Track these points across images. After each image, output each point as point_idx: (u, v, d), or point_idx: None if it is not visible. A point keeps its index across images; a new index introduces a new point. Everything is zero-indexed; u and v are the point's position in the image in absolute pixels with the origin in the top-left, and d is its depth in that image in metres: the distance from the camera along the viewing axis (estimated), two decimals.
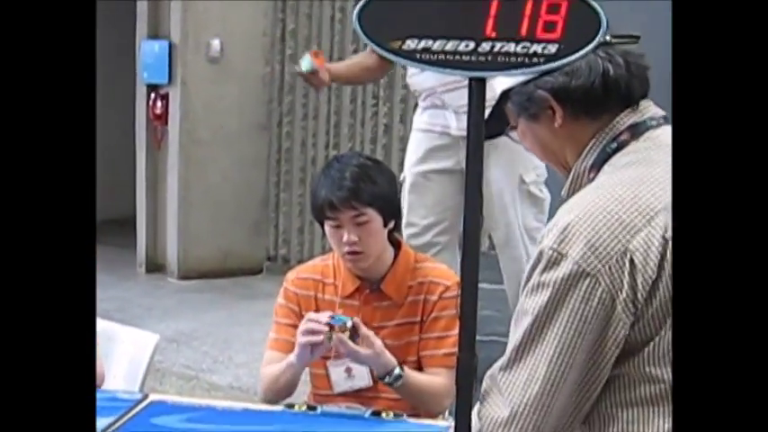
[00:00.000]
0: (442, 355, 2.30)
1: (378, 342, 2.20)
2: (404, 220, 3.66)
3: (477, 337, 1.54)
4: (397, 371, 2.21)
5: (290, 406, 2.11)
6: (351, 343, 2.16)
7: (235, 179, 6.62)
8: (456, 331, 1.46)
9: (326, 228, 2.31)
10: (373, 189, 2.27)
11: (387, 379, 2.22)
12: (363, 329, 2.20)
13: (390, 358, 2.22)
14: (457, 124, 3.62)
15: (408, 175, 3.76)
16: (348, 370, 2.32)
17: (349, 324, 2.15)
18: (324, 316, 2.18)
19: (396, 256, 2.36)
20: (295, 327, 2.27)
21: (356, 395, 2.33)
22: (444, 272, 2.36)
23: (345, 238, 2.26)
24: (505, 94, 1.63)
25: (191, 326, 5.41)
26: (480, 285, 1.44)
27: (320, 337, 2.13)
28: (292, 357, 2.23)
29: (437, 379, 2.28)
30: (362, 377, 2.31)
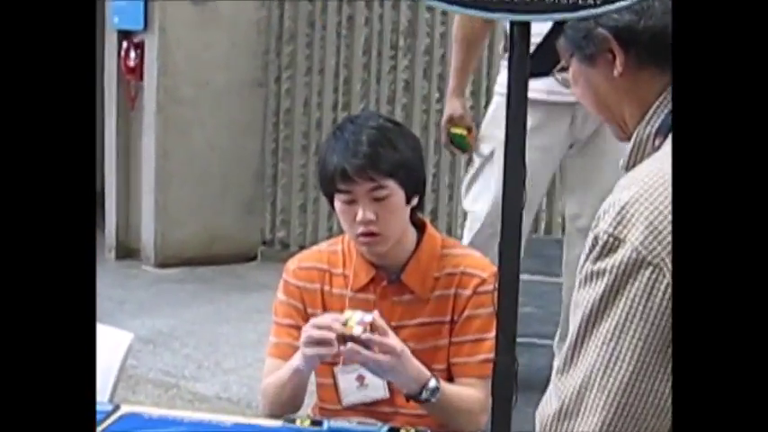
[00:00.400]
0: (477, 362, 2.32)
1: (399, 349, 2.17)
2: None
3: (518, 339, 1.55)
4: (432, 383, 2.21)
5: (291, 420, 2.14)
6: (369, 353, 2.14)
7: (223, 146, 6.64)
8: (494, 333, 1.48)
9: (337, 204, 2.31)
10: (395, 156, 2.27)
11: (423, 395, 2.20)
12: (387, 334, 2.18)
13: (422, 368, 2.22)
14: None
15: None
16: (360, 378, 2.33)
17: (367, 319, 2.13)
18: (331, 319, 2.18)
19: (419, 240, 2.37)
20: (299, 329, 2.28)
21: (370, 408, 2.34)
22: (478, 261, 2.37)
23: (360, 215, 2.27)
24: (559, 27, 1.61)
25: (170, 324, 5.40)
26: (521, 277, 1.45)
27: (331, 349, 2.14)
28: (297, 361, 2.25)
29: (472, 392, 2.29)
30: (377, 387, 2.33)
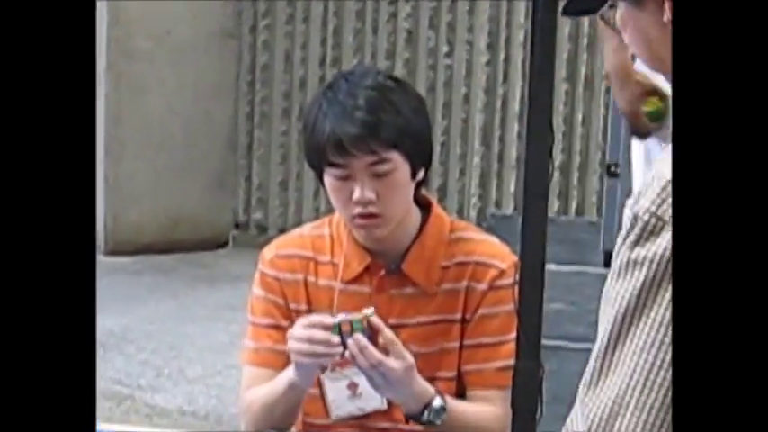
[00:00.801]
0: (495, 370, 2.32)
1: (409, 357, 2.21)
2: None
3: (544, 341, 1.56)
4: (437, 401, 2.24)
5: None
6: (380, 354, 2.17)
7: (187, 110, 6.62)
8: (515, 335, 1.50)
9: (327, 179, 2.33)
10: (398, 122, 2.28)
11: (426, 416, 2.24)
12: (387, 333, 2.22)
13: (425, 384, 2.25)
14: None
15: None
16: (352, 386, 2.33)
17: (365, 313, 2.17)
18: (327, 318, 2.22)
19: (424, 222, 2.39)
20: (281, 329, 2.32)
21: (364, 423, 2.36)
22: (495, 248, 2.39)
23: (357, 194, 2.28)
24: None
25: (123, 323, 5.39)
26: (547, 267, 1.47)
27: (334, 356, 2.19)
28: (292, 374, 2.27)
29: (488, 408, 2.31)
30: (373, 397, 2.33)
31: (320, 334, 2.19)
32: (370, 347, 2.17)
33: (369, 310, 2.20)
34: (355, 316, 2.20)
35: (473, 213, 6.52)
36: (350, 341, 2.17)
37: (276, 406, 2.31)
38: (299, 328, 2.20)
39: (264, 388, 2.33)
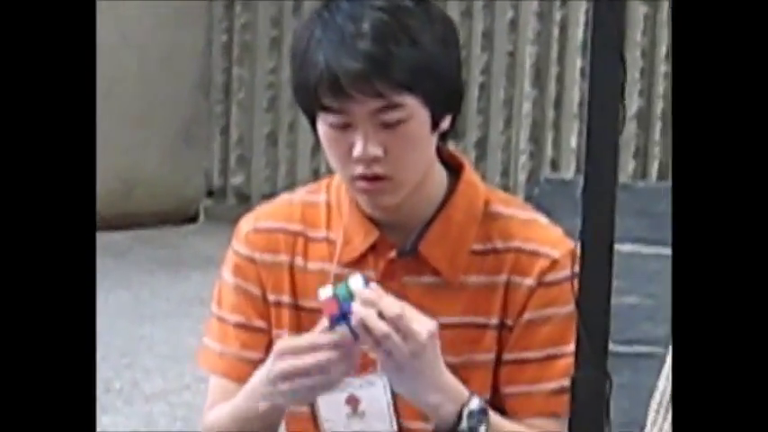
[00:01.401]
0: (547, 393, 2.34)
1: (434, 336, 2.22)
2: None
3: (612, 346, 1.58)
4: (475, 402, 2.26)
5: None
6: (383, 325, 2.17)
7: (147, 41, 6.68)
8: (573, 345, 1.52)
9: (322, 128, 2.34)
10: (414, 55, 2.28)
11: (465, 422, 2.25)
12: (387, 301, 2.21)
13: (455, 380, 2.27)
14: None
15: None
16: (353, 401, 2.35)
17: (357, 284, 2.20)
18: (324, 337, 2.21)
19: (451, 189, 2.41)
20: (253, 331, 2.38)
21: None
22: (545, 231, 2.41)
23: (359, 149, 2.29)
24: None
25: None
26: (618, 248, 1.49)
27: (338, 372, 2.21)
28: (264, 391, 2.29)
29: None
30: (378, 415, 2.36)
31: (303, 362, 2.20)
32: (375, 317, 2.17)
33: (355, 276, 2.21)
34: (336, 288, 2.20)
35: (521, 177, 6.55)
36: (351, 313, 2.18)
37: (251, 427, 2.34)
38: (282, 356, 2.22)
39: (230, 405, 2.36)
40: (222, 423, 2.37)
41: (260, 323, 2.36)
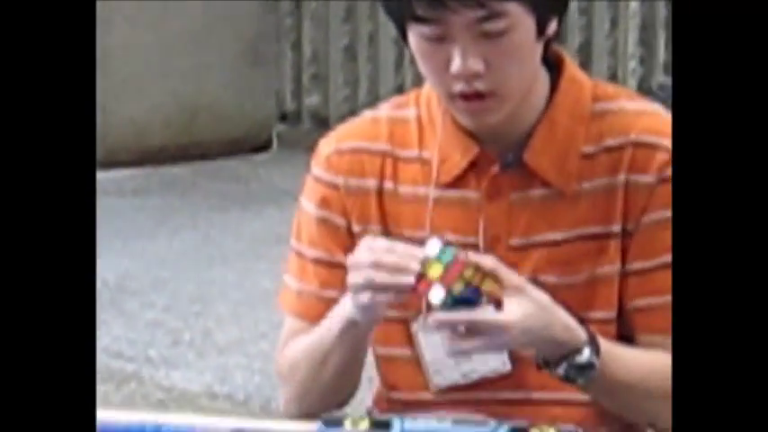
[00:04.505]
0: None
1: (539, 296, 2.29)
2: None
3: None
4: (586, 353, 2.31)
5: (335, 422, 2.22)
6: (472, 313, 2.23)
7: None
8: None
9: (414, 41, 2.38)
10: None
11: (563, 369, 2.32)
12: (507, 276, 2.27)
13: (572, 323, 2.33)
14: None
15: None
16: None
17: (434, 248, 2.22)
18: (404, 248, 2.27)
19: (553, 89, 2.46)
20: (338, 267, 2.41)
21: (478, 395, 2.44)
22: (662, 120, 2.44)
23: (457, 64, 2.33)
24: None
25: (121, 268, 5.58)
26: None
27: (408, 282, 2.23)
28: (346, 309, 2.34)
29: (663, 360, 2.36)
30: (491, 354, 2.43)
31: (389, 258, 2.24)
32: (456, 316, 2.23)
33: (432, 241, 2.25)
34: (450, 252, 2.24)
35: (632, 82, 6.69)
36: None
37: (325, 363, 2.41)
38: (366, 250, 2.27)
39: (307, 338, 2.44)
40: (296, 361, 2.46)
41: (342, 258, 2.38)
